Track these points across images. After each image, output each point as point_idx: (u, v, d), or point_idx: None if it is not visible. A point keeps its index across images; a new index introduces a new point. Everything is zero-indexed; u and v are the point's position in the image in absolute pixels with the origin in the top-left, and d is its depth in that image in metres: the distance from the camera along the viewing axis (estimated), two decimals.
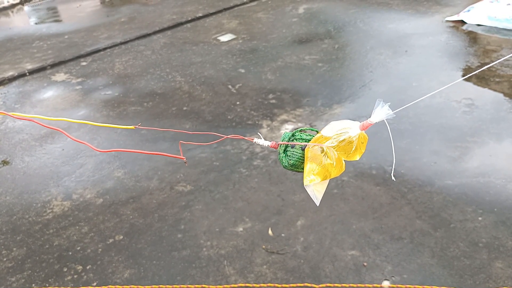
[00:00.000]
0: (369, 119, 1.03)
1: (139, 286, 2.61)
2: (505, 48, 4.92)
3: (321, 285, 2.45)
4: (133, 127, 1.13)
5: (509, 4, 5.41)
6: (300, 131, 1.20)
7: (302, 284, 2.47)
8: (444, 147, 3.44)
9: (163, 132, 4.09)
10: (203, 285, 2.56)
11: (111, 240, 2.99)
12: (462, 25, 5.62)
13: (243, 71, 5.17)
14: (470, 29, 5.50)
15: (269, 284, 2.50)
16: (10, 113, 1.09)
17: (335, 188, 3.16)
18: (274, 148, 1.19)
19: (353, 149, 1.07)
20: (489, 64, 4.60)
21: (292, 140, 1.17)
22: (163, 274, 2.68)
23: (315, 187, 1.10)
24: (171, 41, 6.40)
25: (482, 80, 4.34)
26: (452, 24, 5.68)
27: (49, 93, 5.26)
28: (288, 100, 4.44)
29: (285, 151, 1.19)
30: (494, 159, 3.25)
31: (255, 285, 2.51)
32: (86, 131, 4.34)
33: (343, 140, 1.06)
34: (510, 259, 2.45)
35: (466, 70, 4.56)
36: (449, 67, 4.66)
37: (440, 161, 3.29)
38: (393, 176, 1.33)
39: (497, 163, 3.21)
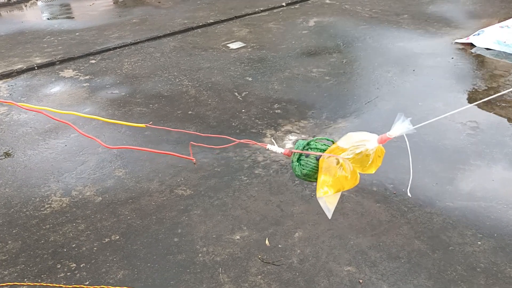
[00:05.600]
0: (388, 132, 1.01)
1: None
2: None
3: None
4: (144, 125, 1.13)
5: None
6: (315, 140, 1.18)
7: None
8: (447, 168, 3.43)
9: (166, 134, 4.09)
10: None
11: (107, 240, 2.97)
12: (471, 48, 5.63)
13: (250, 79, 5.19)
14: (478, 52, 5.51)
15: None
16: (19, 104, 1.09)
17: None
18: (288, 155, 1.18)
19: (369, 162, 1.05)
20: (496, 88, 4.60)
21: (307, 149, 1.15)
22: (156, 277, 2.66)
23: (327, 199, 1.08)
24: (181, 45, 6.43)
25: (488, 103, 4.33)
26: (461, 47, 5.69)
27: (56, 88, 5.28)
28: (293, 111, 4.44)
29: (298, 159, 1.16)
30: (496, 184, 3.24)
31: None
32: (90, 129, 4.34)
33: (360, 152, 1.04)
34: (508, 286, 2.43)
35: (473, 93, 4.55)
36: (456, 89, 4.66)
37: (442, 182, 3.27)
38: (409, 192, 1.29)
39: (499, 188, 3.19)
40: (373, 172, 1.08)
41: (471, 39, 5.71)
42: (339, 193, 1.10)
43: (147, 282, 2.64)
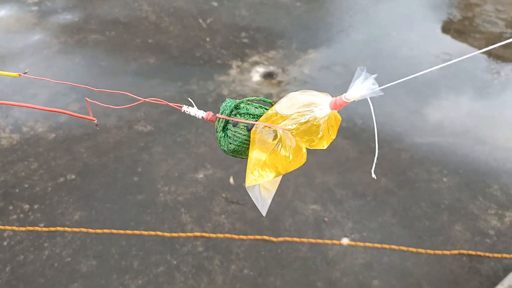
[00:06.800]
0: (345, 94, 0.72)
1: (90, 230, 2.48)
2: (489, 3, 4.75)
3: (279, 239, 2.39)
4: (18, 75, 0.90)
5: None
6: (247, 102, 0.83)
7: (260, 237, 2.40)
8: (418, 103, 3.35)
9: (124, 65, 3.80)
10: (157, 232, 2.45)
11: (62, 179, 2.80)
12: None
13: (215, 4, 4.82)
14: None
15: (226, 235, 2.42)
16: None
17: None
18: (211, 121, 0.85)
19: (319, 135, 0.75)
20: (472, 18, 4.44)
21: (235, 115, 0.81)
22: (116, 218, 2.55)
23: (263, 186, 0.76)
24: None
25: (462, 35, 4.20)
26: None
27: (1, 13, 4.77)
28: (261, 40, 4.18)
29: (224, 129, 0.83)
30: (465, 119, 3.19)
31: (211, 235, 2.43)
32: (41, 58, 3.98)
33: (306, 122, 0.73)
34: (469, 222, 2.45)
35: (447, 23, 4.39)
36: (431, 18, 4.47)
37: (412, 118, 3.20)
38: (373, 173, 0.80)
39: (468, 123, 3.15)
40: (325, 147, 0.80)
41: None
42: (278, 179, 0.81)
43: (105, 223, 2.52)
